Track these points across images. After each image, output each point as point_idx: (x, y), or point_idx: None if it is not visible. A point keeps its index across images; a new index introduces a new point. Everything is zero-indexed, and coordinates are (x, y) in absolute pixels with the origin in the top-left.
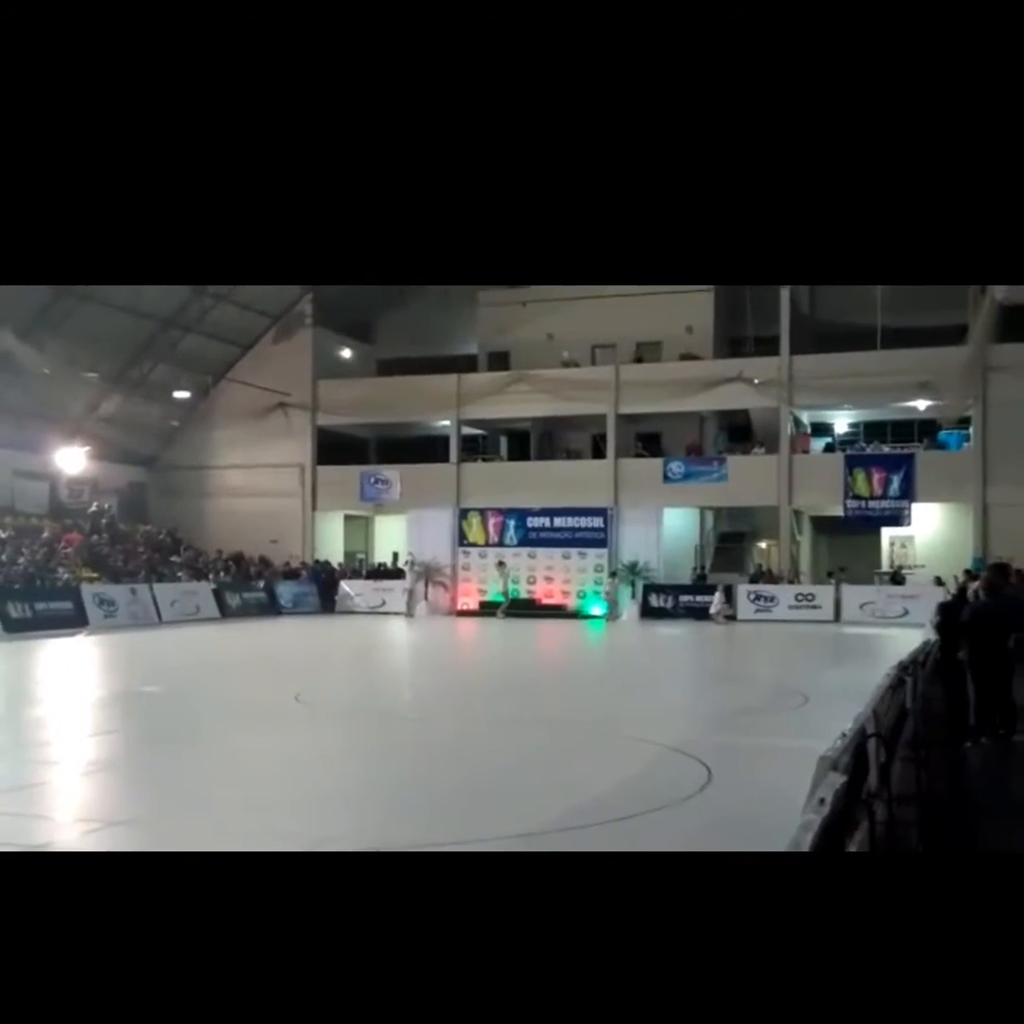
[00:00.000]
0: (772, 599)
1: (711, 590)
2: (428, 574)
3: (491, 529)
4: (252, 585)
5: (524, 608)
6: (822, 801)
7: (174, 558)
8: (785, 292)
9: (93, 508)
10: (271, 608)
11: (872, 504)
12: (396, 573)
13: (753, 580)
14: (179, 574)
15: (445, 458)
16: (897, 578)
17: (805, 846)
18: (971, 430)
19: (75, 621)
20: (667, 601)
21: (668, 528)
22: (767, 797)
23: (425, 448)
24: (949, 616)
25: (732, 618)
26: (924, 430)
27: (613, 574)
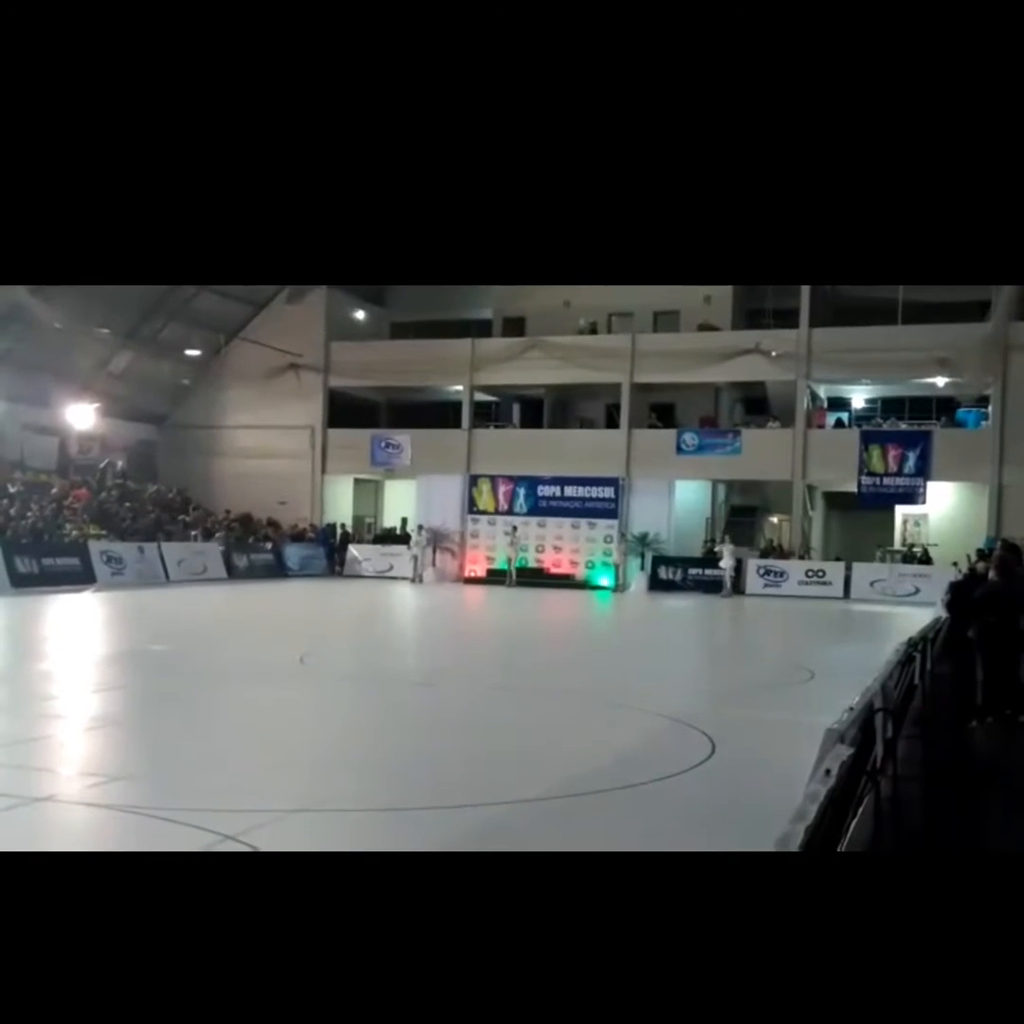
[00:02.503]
0: (782, 574)
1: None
2: (436, 540)
3: (501, 497)
4: (260, 546)
5: (532, 577)
6: (828, 772)
7: (182, 517)
8: None
9: (104, 464)
10: (278, 570)
11: (887, 481)
12: (404, 538)
13: (764, 555)
14: (195, 534)
15: (457, 424)
16: (924, 557)
17: (810, 817)
18: (989, 409)
19: (82, 578)
20: (676, 574)
21: (679, 500)
22: (770, 769)
23: (437, 413)
24: (960, 595)
25: (738, 589)
26: (942, 408)
27: (623, 535)
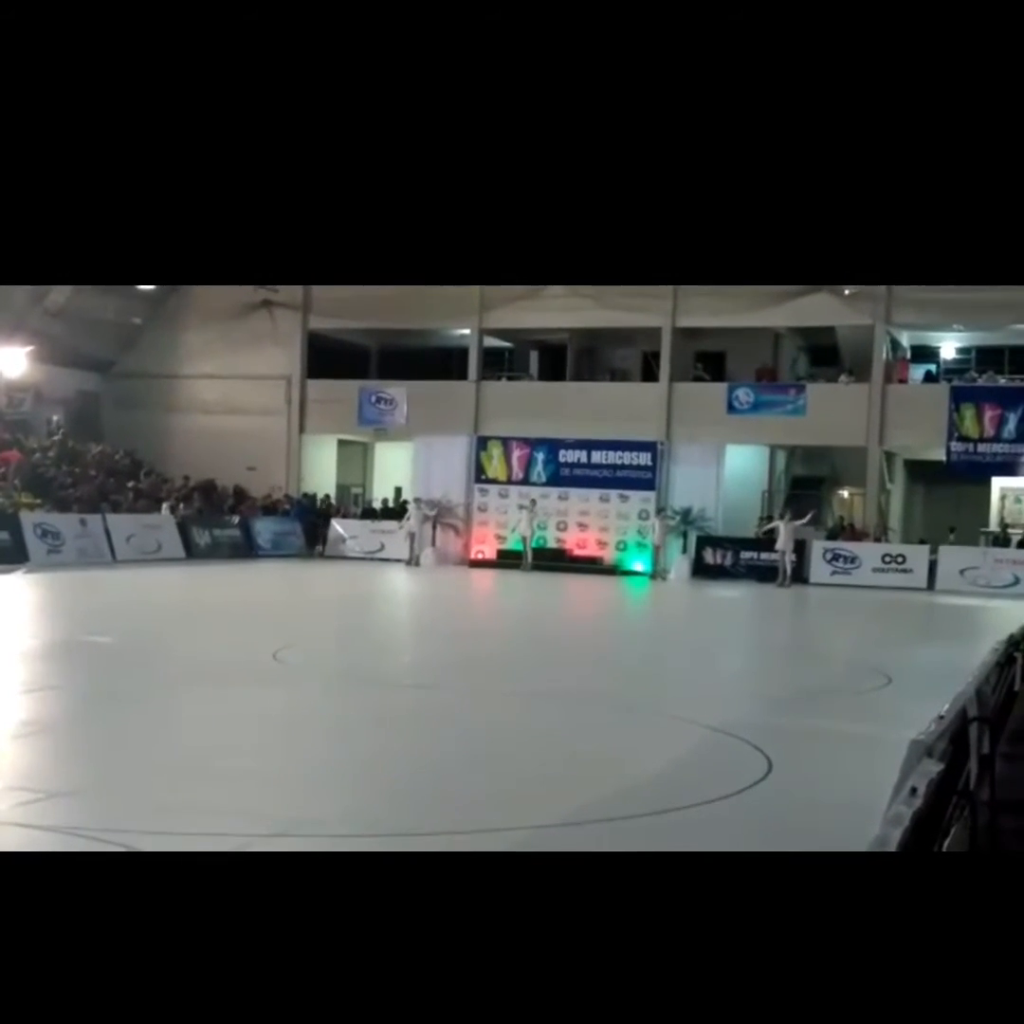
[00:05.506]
0: (853, 560)
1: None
2: (436, 515)
3: (515, 463)
4: (225, 520)
5: (552, 560)
6: (914, 791)
7: (132, 484)
8: None
9: (51, 422)
10: (247, 549)
11: (982, 448)
12: (398, 512)
13: (832, 536)
14: (159, 504)
15: (462, 375)
16: None
17: (892, 844)
18: None
19: (13, 555)
20: (725, 558)
21: (731, 469)
22: (838, 791)
23: (438, 362)
24: None
25: (801, 578)
26: None
27: (661, 510)
